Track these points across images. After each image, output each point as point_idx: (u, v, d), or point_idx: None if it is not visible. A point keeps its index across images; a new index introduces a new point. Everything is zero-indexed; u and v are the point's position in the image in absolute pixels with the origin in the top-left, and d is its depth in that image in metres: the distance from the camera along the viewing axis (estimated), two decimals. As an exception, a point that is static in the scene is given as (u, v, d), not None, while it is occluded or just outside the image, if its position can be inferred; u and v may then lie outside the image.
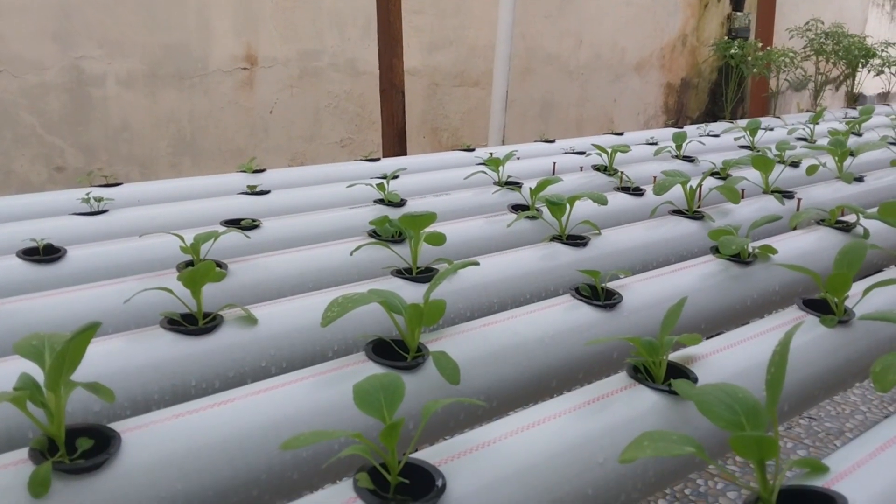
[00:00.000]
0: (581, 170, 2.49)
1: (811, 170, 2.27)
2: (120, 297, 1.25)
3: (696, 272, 1.45)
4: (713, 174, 2.32)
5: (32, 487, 0.72)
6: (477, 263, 1.21)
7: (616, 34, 5.84)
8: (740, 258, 1.51)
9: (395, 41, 3.62)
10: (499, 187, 2.12)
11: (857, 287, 1.29)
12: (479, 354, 1.08)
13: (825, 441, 2.20)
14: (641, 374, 0.98)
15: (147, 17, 3.68)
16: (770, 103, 6.31)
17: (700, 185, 1.91)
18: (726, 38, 6.53)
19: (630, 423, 0.90)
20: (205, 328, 1.09)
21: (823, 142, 2.96)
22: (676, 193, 1.96)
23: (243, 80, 4.05)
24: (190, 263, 1.36)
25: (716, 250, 1.54)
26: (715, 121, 6.07)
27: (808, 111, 5.11)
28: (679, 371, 1.00)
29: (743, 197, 1.94)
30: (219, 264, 1.35)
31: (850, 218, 1.83)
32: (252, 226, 1.68)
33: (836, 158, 2.39)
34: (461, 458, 0.79)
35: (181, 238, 1.38)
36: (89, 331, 0.74)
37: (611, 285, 1.34)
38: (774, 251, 1.56)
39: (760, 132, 3.26)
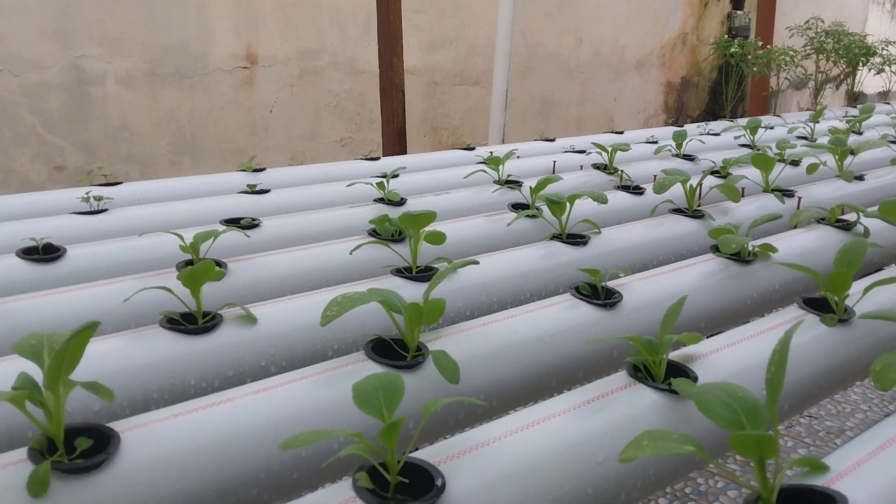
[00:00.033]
0: (581, 168, 2.49)
1: (811, 168, 2.27)
2: (119, 297, 1.25)
3: (697, 271, 1.45)
4: (713, 173, 2.31)
5: (31, 487, 0.72)
6: (477, 262, 1.21)
7: (616, 32, 5.84)
8: (740, 257, 1.51)
9: (395, 40, 3.61)
10: (499, 186, 2.12)
11: (858, 286, 1.29)
12: (478, 353, 1.08)
13: (826, 440, 2.20)
14: (641, 373, 0.98)
15: (147, 16, 3.68)
16: (770, 102, 6.30)
17: (700, 184, 1.90)
18: (726, 36, 6.53)
19: (630, 422, 0.90)
20: (204, 327, 1.09)
21: (824, 140, 2.96)
22: (676, 192, 1.96)
23: (243, 79, 4.05)
24: (189, 262, 1.36)
25: (716, 249, 1.54)
26: (715, 119, 6.08)
27: (808, 110, 5.10)
28: (679, 370, 1.00)
29: (743, 195, 1.94)
30: (218, 263, 1.35)
31: (851, 216, 1.83)
32: (252, 225, 1.68)
33: (837, 157, 2.39)
34: (461, 458, 0.79)
35: (181, 237, 1.38)
36: (88, 330, 0.74)
37: (611, 284, 1.34)
38: (774, 250, 1.56)
39: (760, 131, 3.26)
